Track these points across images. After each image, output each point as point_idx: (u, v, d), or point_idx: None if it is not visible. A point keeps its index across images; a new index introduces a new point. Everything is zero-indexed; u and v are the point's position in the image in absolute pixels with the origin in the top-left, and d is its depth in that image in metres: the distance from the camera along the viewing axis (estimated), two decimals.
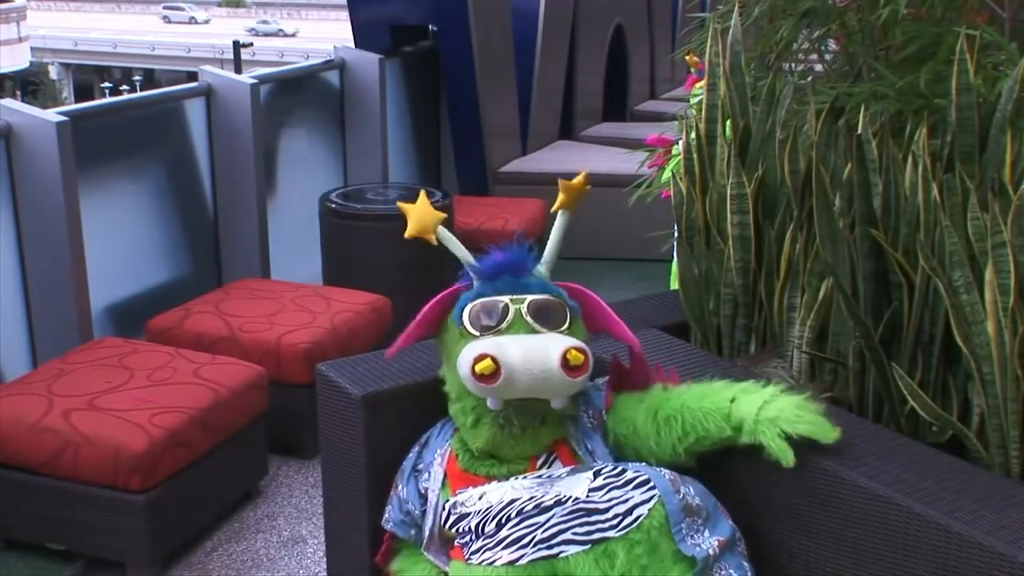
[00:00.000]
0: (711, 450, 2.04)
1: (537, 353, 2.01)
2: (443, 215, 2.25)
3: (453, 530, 2.07)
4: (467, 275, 2.21)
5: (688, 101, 3.57)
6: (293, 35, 53.50)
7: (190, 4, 56.68)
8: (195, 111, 4.72)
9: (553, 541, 1.92)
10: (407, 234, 2.24)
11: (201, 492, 3.33)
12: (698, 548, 1.93)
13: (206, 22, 54.77)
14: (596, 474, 2.01)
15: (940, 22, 2.25)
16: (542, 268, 2.22)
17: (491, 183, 6.65)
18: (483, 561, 1.96)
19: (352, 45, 6.11)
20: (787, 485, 1.95)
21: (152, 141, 4.64)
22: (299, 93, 5.67)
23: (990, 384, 2.03)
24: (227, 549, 3.31)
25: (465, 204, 5.92)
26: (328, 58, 5.80)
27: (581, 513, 1.94)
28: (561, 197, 2.29)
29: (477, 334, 2.07)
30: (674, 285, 2.77)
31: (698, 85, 3.51)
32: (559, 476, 2.05)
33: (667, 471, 2.02)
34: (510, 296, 2.11)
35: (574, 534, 1.92)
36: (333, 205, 4.81)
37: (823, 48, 2.87)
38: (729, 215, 2.48)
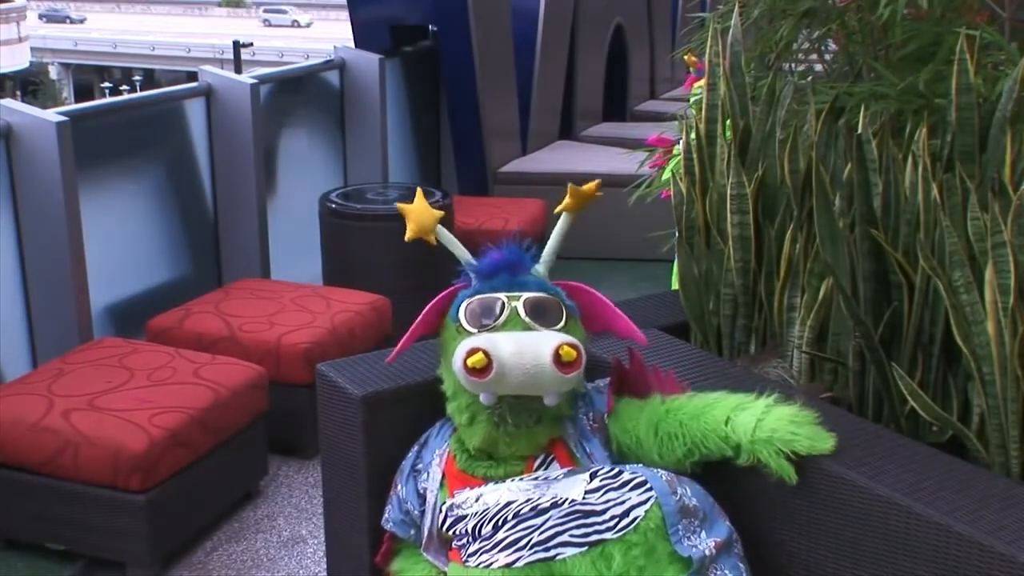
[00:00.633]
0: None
1: (529, 348, 2.01)
2: (441, 213, 2.25)
3: (450, 532, 2.08)
4: (466, 274, 2.22)
5: (688, 101, 3.57)
6: (307, 26, 53.42)
7: (291, 7, 56.04)
8: (195, 111, 4.72)
9: (550, 543, 1.92)
10: (407, 237, 2.25)
11: (201, 492, 3.33)
12: (695, 549, 1.93)
13: (308, 25, 54.35)
14: (592, 476, 2.01)
15: (940, 22, 2.25)
16: (540, 267, 2.22)
17: (491, 183, 6.65)
18: (480, 564, 1.96)
19: (352, 45, 6.11)
20: (787, 485, 1.95)
21: (152, 141, 4.64)
22: (299, 93, 5.68)
23: (990, 384, 2.03)
24: (227, 549, 3.32)
25: (465, 204, 5.92)
26: (328, 58, 5.80)
27: (578, 515, 1.94)
28: (567, 200, 2.28)
29: (473, 330, 2.08)
30: (674, 285, 2.77)
31: (697, 85, 3.51)
32: (556, 478, 2.05)
33: (664, 472, 2.02)
34: (506, 293, 2.12)
35: (571, 536, 1.92)
36: (333, 205, 4.81)
37: (823, 48, 2.87)
38: (729, 215, 2.48)
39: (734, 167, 2.46)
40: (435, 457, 2.21)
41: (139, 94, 5.36)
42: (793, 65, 2.98)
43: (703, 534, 1.96)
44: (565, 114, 7.69)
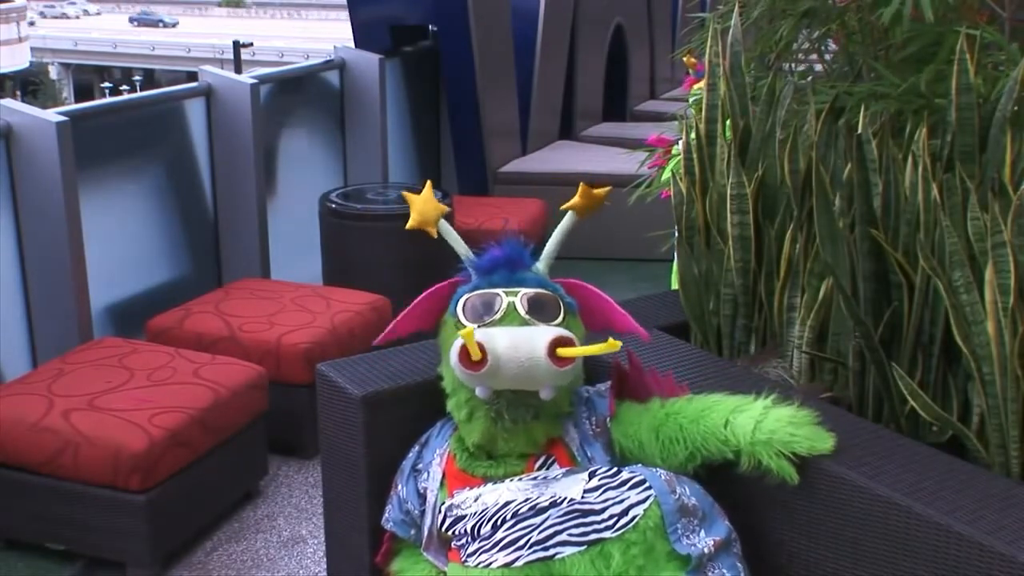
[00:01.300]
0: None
1: (524, 341, 2.02)
2: (446, 208, 2.27)
3: (449, 532, 2.08)
4: (465, 270, 2.23)
5: (688, 101, 3.58)
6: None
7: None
8: (195, 111, 4.73)
9: (549, 543, 1.92)
10: (409, 225, 2.27)
11: (201, 492, 3.33)
12: (693, 548, 1.93)
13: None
14: (591, 475, 2.01)
15: (940, 22, 2.25)
16: (540, 265, 2.24)
17: (491, 183, 6.66)
18: (479, 563, 1.96)
19: (352, 45, 6.11)
20: (787, 486, 1.95)
21: (152, 141, 4.65)
22: (299, 93, 5.68)
23: (990, 384, 2.03)
24: (227, 549, 3.32)
25: (465, 204, 5.92)
26: (328, 58, 5.80)
27: (577, 514, 1.94)
28: (577, 200, 2.28)
29: (471, 325, 2.08)
30: (674, 285, 2.78)
31: (697, 86, 3.51)
32: (555, 477, 2.05)
33: (663, 471, 2.02)
34: (505, 289, 2.13)
35: (570, 535, 1.92)
36: (333, 205, 4.81)
37: (823, 48, 2.88)
38: (729, 215, 2.48)
39: (734, 167, 2.47)
40: (435, 457, 2.21)
41: (139, 94, 5.36)
42: (793, 65, 2.98)
43: (702, 533, 1.97)
44: (565, 114, 7.69)
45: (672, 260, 3.22)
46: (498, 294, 2.12)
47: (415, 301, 2.24)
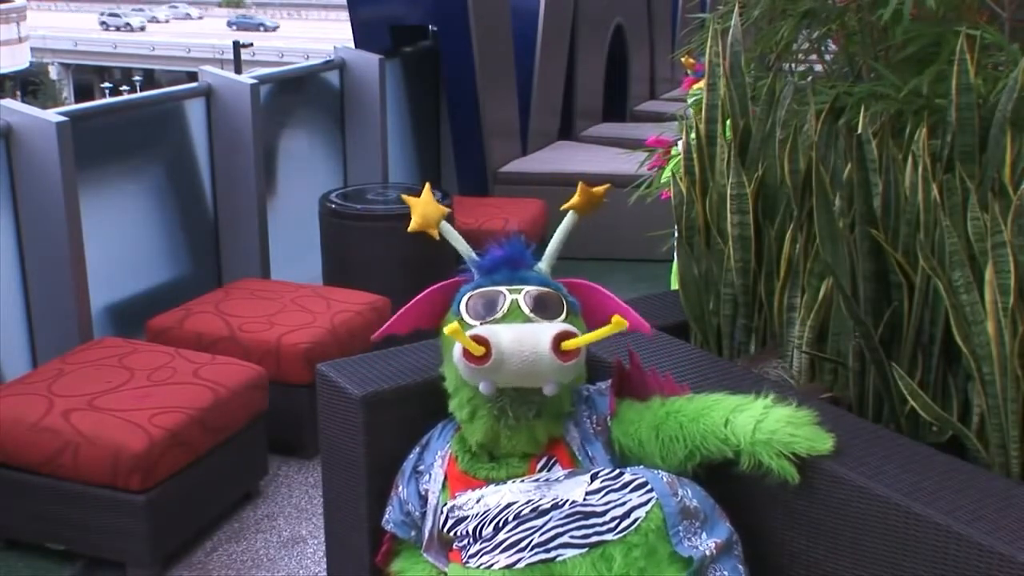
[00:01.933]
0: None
1: (529, 336, 2.03)
2: (447, 210, 2.28)
3: (451, 533, 2.08)
4: (467, 269, 2.24)
5: (687, 102, 3.58)
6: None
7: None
8: (195, 111, 4.73)
9: (550, 545, 1.92)
10: (411, 228, 2.27)
11: (201, 492, 3.33)
12: (695, 550, 1.93)
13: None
14: (593, 477, 2.01)
15: (940, 22, 2.26)
16: (543, 264, 2.24)
17: (491, 183, 6.66)
18: (481, 565, 1.96)
19: (351, 45, 6.11)
20: (787, 485, 1.95)
21: (152, 141, 4.65)
22: (299, 93, 5.68)
23: (990, 384, 2.03)
24: (227, 549, 3.32)
25: (465, 204, 5.93)
26: (328, 58, 5.80)
27: (578, 516, 1.94)
28: (576, 199, 2.29)
29: (475, 323, 2.09)
30: (674, 285, 2.78)
31: (696, 86, 3.51)
32: (557, 479, 2.05)
33: (665, 473, 2.02)
34: (507, 287, 2.14)
35: (571, 537, 1.93)
36: (333, 205, 4.81)
37: (823, 48, 2.88)
38: (729, 215, 2.48)
39: (734, 167, 2.47)
40: (437, 459, 2.21)
41: (139, 94, 5.36)
42: (793, 65, 2.98)
43: (704, 535, 1.97)
44: (565, 114, 7.70)
45: (672, 260, 3.23)
46: (501, 292, 2.13)
47: (416, 297, 2.24)
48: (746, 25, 2.65)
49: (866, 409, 2.27)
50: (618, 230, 5.98)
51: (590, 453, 2.15)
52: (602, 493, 1.97)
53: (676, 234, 2.69)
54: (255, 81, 4.78)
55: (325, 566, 2.67)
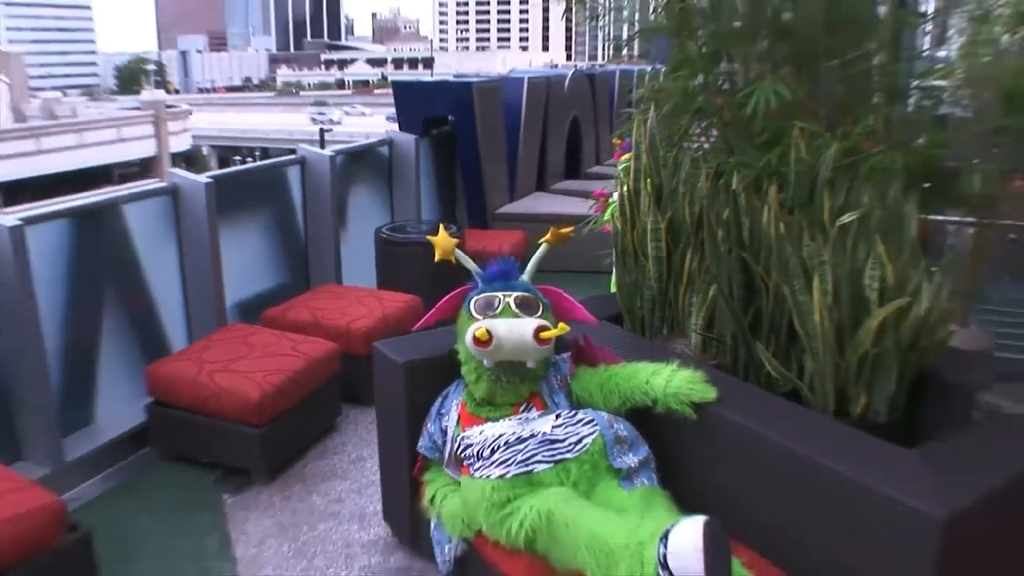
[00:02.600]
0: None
1: (517, 328, 2.03)
2: (456, 240, 2.27)
3: (462, 455, 2.09)
4: (474, 279, 2.24)
5: (617, 168, 3.58)
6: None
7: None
8: (294, 174, 4.71)
9: (529, 461, 1.93)
10: (436, 259, 2.26)
11: (297, 426, 3.32)
12: (625, 464, 1.95)
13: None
14: (557, 416, 2.03)
15: (783, 118, 2.27)
16: (525, 276, 2.24)
17: (490, 220, 6.64)
18: (482, 476, 1.98)
19: (397, 128, 6.11)
20: (687, 422, 1.97)
21: (266, 194, 4.63)
22: (362, 161, 5.65)
23: (816, 355, 2.05)
24: (315, 464, 3.31)
25: (472, 234, 5.89)
26: (381, 138, 5.80)
27: (547, 442, 1.96)
28: (549, 236, 2.29)
29: (479, 317, 2.09)
30: (613, 289, 2.78)
31: (623, 157, 3.52)
32: (533, 418, 2.06)
33: (606, 414, 2.03)
34: (502, 292, 2.13)
35: (543, 457, 1.94)
36: (384, 235, 4.79)
37: (708, 133, 2.88)
38: (649, 242, 2.49)
39: (652, 210, 2.47)
40: (453, 405, 2.22)
41: (257, 163, 5.34)
42: (689, 144, 2.99)
43: (631, 454, 1.98)
44: (539, 174, 7.68)
45: (612, 272, 3.23)
46: (497, 296, 2.12)
47: (440, 301, 2.24)
48: (659, 117, 2.65)
49: (739, 371, 2.28)
50: (577, 251, 5.95)
51: (556, 401, 2.15)
52: (563, 427, 1.98)
53: (614, 254, 2.70)
54: (333, 154, 4.77)
55: (379, 476, 2.68)
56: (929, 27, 2.60)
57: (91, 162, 27.77)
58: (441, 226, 2.40)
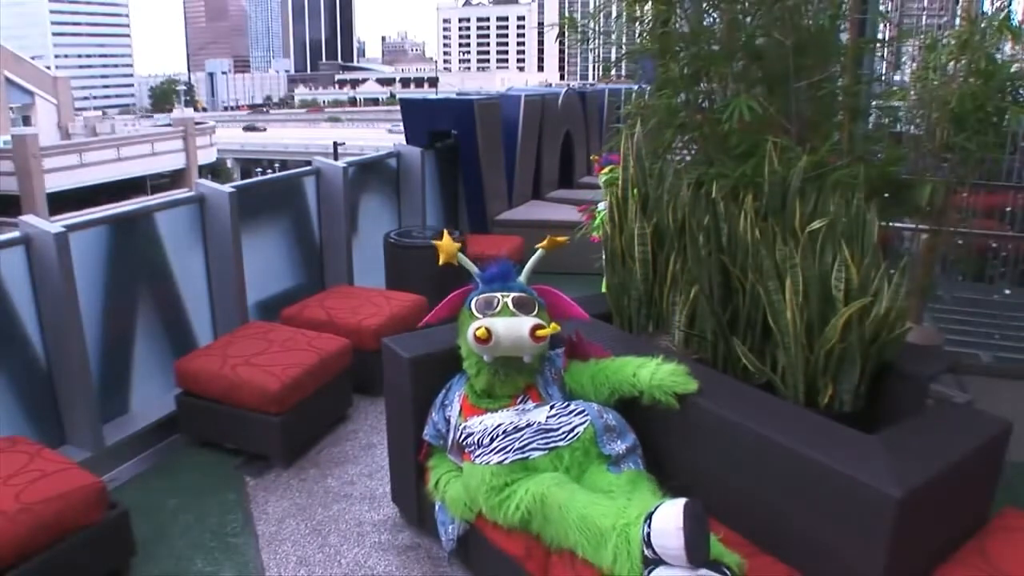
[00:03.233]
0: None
1: (515, 326, 2.03)
2: (459, 245, 2.27)
3: (464, 442, 2.09)
4: (475, 281, 2.23)
5: (601, 180, 3.59)
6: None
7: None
8: (309, 184, 4.71)
9: (525, 449, 1.93)
10: (441, 262, 2.26)
11: (313, 415, 3.32)
12: (613, 450, 1.95)
13: None
14: (552, 407, 2.02)
15: (757, 132, 2.27)
16: (521, 278, 2.23)
17: (490, 226, 6.64)
18: (482, 462, 1.97)
19: (404, 142, 6.11)
20: (670, 412, 1.97)
21: (284, 202, 4.62)
22: (372, 172, 5.64)
23: (788, 349, 2.05)
24: (329, 450, 3.31)
25: (473, 239, 5.89)
26: (390, 151, 5.79)
27: (543, 431, 1.95)
28: (545, 242, 2.29)
29: (479, 316, 2.09)
30: (603, 289, 2.78)
31: (603, 171, 3.53)
32: (529, 409, 2.06)
33: (596, 404, 2.03)
34: (500, 293, 2.13)
35: (538, 444, 1.93)
36: (392, 239, 4.79)
37: (690, 146, 2.88)
38: (636, 246, 2.48)
39: (639, 217, 2.47)
40: (456, 396, 2.21)
41: (276, 175, 5.33)
42: (673, 156, 2.99)
43: (619, 441, 1.98)
44: (535, 183, 7.68)
45: (602, 274, 3.23)
46: (496, 296, 2.12)
47: (443, 300, 2.23)
48: (645, 132, 2.65)
49: (718, 365, 2.27)
50: (569, 254, 5.94)
51: (550, 393, 2.14)
52: (557, 417, 1.98)
53: (604, 257, 2.70)
54: (345, 165, 4.76)
55: (388, 461, 2.67)
56: (886, 53, 2.61)
57: (127, 174, 27.96)
58: (445, 231, 2.40)
